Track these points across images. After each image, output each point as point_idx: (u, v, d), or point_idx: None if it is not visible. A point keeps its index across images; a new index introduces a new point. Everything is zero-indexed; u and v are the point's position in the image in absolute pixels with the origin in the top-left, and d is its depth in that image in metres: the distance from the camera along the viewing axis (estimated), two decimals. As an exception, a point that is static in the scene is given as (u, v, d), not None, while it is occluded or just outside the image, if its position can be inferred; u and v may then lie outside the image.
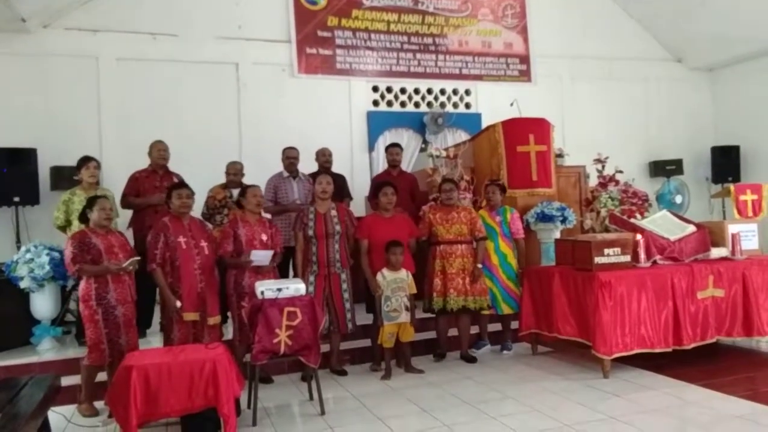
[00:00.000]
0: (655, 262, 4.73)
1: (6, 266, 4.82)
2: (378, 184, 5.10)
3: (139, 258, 4.12)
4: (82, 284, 4.02)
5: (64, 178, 6.31)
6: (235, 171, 5.64)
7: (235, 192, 5.46)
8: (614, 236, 4.76)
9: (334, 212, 4.73)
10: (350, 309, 4.72)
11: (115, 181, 6.21)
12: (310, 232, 4.61)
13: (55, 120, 6.87)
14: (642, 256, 4.63)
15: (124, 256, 4.08)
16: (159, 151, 5.35)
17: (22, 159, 6.40)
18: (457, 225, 4.93)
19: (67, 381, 4.05)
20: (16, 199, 6.34)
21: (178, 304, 4.11)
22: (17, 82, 6.84)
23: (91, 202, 4.12)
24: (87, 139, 6.87)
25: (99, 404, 4.05)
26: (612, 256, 4.49)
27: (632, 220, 5.20)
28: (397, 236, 4.72)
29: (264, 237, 4.48)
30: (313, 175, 4.93)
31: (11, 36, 6.76)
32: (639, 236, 4.66)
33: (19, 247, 6.07)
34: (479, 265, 4.94)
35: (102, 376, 4.21)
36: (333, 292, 4.64)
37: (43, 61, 6.94)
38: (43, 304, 4.84)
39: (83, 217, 4.18)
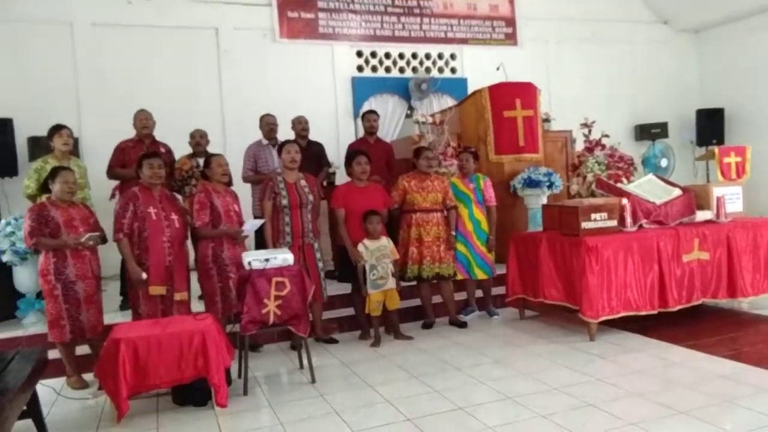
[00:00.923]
0: (641, 226, 4.75)
1: (-14, 240, 4.71)
2: (351, 153, 5.03)
3: (96, 234, 3.98)
4: (41, 258, 3.91)
5: (41, 147, 6.14)
6: (198, 139, 5.51)
7: (201, 161, 5.36)
8: (601, 201, 4.77)
9: (303, 182, 4.63)
10: (324, 278, 4.69)
11: (94, 149, 6.12)
12: (284, 202, 4.48)
13: (31, 88, 6.70)
14: (628, 220, 4.65)
15: (85, 230, 3.95)
16: (141, 120, 5.22)
17: (-2, 129, 6.24)
18: (433, 193, 4.92)
19: (54, 354, 4.03)
20: (-6, 170, 6.20)
21: (144, 275, 3.96)
22: (-10, 49, 6.62)
23: (53, 173, 3.97)
24: (64, 108, 6.71)
25: (88, 376, 4.03)
26: (599, 220, 4.51)
27: (618, 185, 5.21)
28: (373, 205, 4.69)
29: (236, 207, 4.40)
30: (282, 143, 4.79)
31: (-20, 1, 6.52)
32: (625, 201, 4.67)
33: (-1, 219, 5.98)
34: (453, 233, 4.96)
35: (85, 349, 4.18)
36: (308, 263, 4.55)
37: (15, 27, 6.72)
38: (26, 278, 4.76)
39: (45, 188, 4.04)
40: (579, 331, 4.50)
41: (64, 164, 4.58)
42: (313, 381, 3.85)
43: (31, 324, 4.74)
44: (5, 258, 4.64)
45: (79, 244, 3.89)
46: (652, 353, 4.02)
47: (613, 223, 4.56)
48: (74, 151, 5.28)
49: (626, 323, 4.52)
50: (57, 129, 4.83)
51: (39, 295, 4.90)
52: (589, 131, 6.65)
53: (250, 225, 4.33)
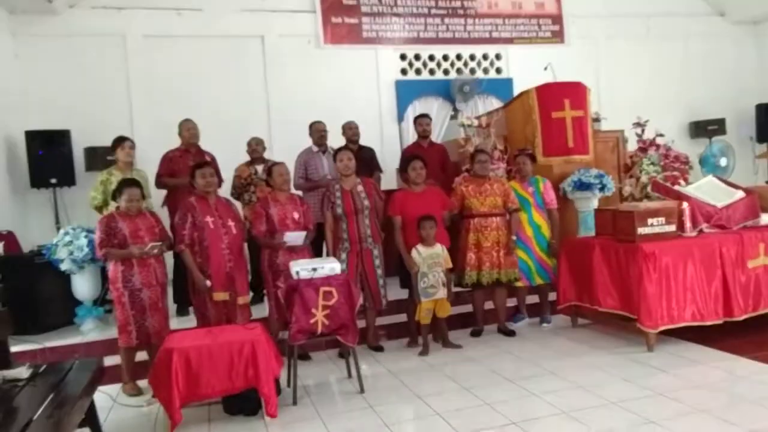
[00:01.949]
0: (701, 231, 4.52)
1: (46, 249, 4.86)
2: (406, 158, 4.96)
3: (160, 243, 4.11)
4: (110, 267, 4.07)
5: (98, 158, 6.36)
6: (254, 146, 5.55)
7: (260, 168, 5.41)
8: (658, 205, 4.56)
9: (360, 187, 4.61)
10: (383, 285, 4.66)
11: (146, 158, 6.19)
12: (339, 210, 4.52)
13: (87, 100, 6.88)
14: (687, 225, 4.43)
15: (150, 239, 4.07)
16: (188, 130, 5.30)
17: (57, 141, 6.44)
18: (491, 197, 4.79)
19: (110, 360, 4.14)
20: (53, 180, 6.41)
21: (208, 283, 4.09)
22: (47, 64, 6.85)
23: (120, 188, 4.12)
24: (118, 118, 6.88)
25: (143, 383, 4.09)
26: (656, 225, 4.30)
27: (676, 187, 4.98)
28: (430, 210, 4.60)
29: (296, 215, 4.42)
30: (336, 151, 4.80)
31: (39, 18, 6.75)
32: (685, 204, 4.45)
33: (58, 228, 6.18)
34: (513, 238, 4.81)
35: (143, 356, 4.26)
36: (366, 269, 4.57)
37: (71, 41, 6.92)
38: (84, 285, 4.89)
39: (115, 197, 4.21)
40: (636, 340, 4.31)
41: (127, 175, 4.71)
42: (362, 391, 3.80)
43: (89, 331, 4.87)
44: (64, 267, 4.77)
45: (144, 253, 4.01)
46: (716, 366, 3.81)
47: (672, 228, 4.34)
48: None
49: (687, 333, 4.29)
50: (120, 141, 4.97)
51: (96, 302, 5.05)
52: (642, 131, 6.39)
53: (291, 237, 4.33)
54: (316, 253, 5.12)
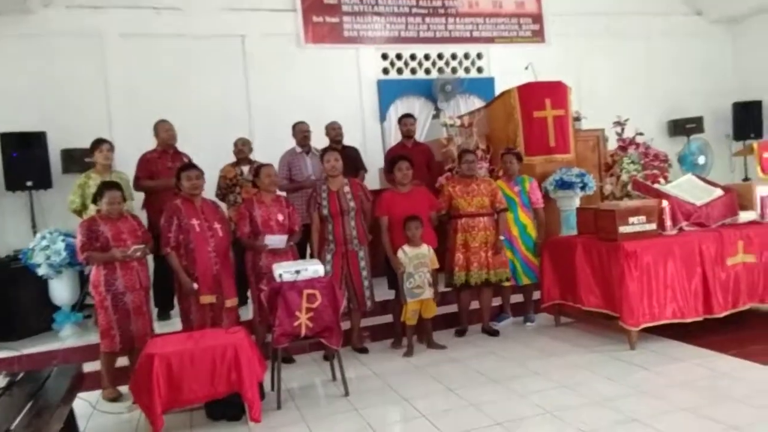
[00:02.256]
0: (681, 229, 4.57)
1: (23, 254, 4.77)
2: (392, 158, 4.94)
3: (143, 246, 4.06)
4: (92, 271, 4.01)
5: (75, 160, 6.23)
6: (240, 147, 5.51)
7: (245, 169, 5.36)
8: (638, 204, 4.59)
9: (347, 188, 4.59)
10: (369, 286, 4.64)
11: (125, 160, 6.09)
12: (325, 211, 4.50)
13: (63, 101, 6.74)
14: (668, 223, 4.47)
15: (133, 242, 4.01)
16: (167, 131, 5.21)
17: (33, 142, 6.30)
18: (478, 197, 4.79)
19: (90, 366, 4.07)
20: (29, 183, 6.26)
21: (195, 286, 4.06)
22: (22, 64, 6.69)
23: (101, 191, 4.04)
24: (96, 120, 6.74)
25: (124, 388, 4.03)
26: (637, 224, 4.33)
27: (656, 186, 5.02)
28: (417, 211, 4.58)
29: (280, 217, 4.38)
30: (323, 151, 4.77)
31: (13, 17, 6.59)
32: (665, 203, 4.49)
33: (35, 232, 6.06)
34: (501, 237, 4.82)
35: (124, 361, 4.18)
36: (351, 270, 4.55)
37: (46, 41, 6.77)
38: (61, 291, 4.81)
39: (95, 200, 4.14)
40: (618, 338, 4.34)
41: (106, 178, 4.64)
42: (347, 394, 3.78)
43: (67, 336, 4.79)
44: (41, 271, 4.68)
45: (127, 256, 3.95)
46: (697, 363, 3.85)
47: (653, 226, 4.38)
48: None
49: (668, 330, 4.34)
50: (98, 144, 4.89)
51: (74, 308, 4.96)
52: (622, 129, 6.43)
53: (272, 240, 4.30)
54: (302, 254, 5.09)
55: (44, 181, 6.34)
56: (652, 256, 4.21)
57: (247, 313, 4.74)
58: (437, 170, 6.01)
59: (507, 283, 4.98)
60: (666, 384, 3.53)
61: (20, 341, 4.66)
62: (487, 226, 4.78)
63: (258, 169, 4.51)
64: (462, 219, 4.78)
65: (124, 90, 7.00)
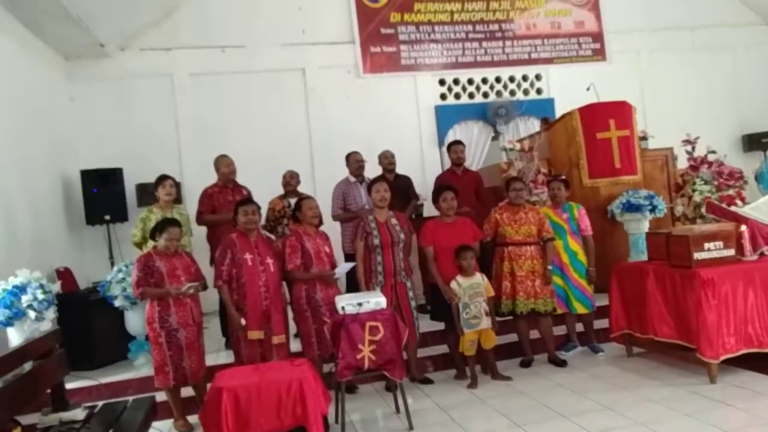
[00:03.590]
0: (762, 254, 4.28)
1: (101, 286, 5.00)
2: (437, 188, 4.89)
3: (197, 284, 4.11)
4: (147, 307, 4.07)
5: (148, 194, 6.51)
6: (288, 179, 5.59)
7: (293, 201, 5.41)
8: (714, 228, 4.35)
9: (394, 220, 4.55)
10: (417, 317, 4.58)
11: (195, 194, 6.34)
12: (376, 241, 4.44)
13: (137, 138, 7.13)
14: (747, 247, 4.21)
15: (187, 278, 4.08)
16: (228, 166, 5.33)
17: (110, 179, 6.67)
18: (526, 226, 4.68)
19: (163, 396, 4.17)
20: (107, 217, 6.62)
21: (243, 321, 4.05)
22: (100, 104, 7.14)
23: (161, 227, 4.15)
24: (167, 155, 7.10)
25: (193, 418, 4.11)
26: (713, 250, 4.09)
27: (733, 208, 4.75)
28: (463, 240, 4.52)
29: (327, 249, 4.38)
30: (372, 181, 4.76)
31: (92, 61, 7.06)
32: (743, 227, 4.23)
33: (112, 263, 6.37)
34: (549, 267, 4.69)
35: (190, 391, 4.26)
36: (401, 302, 4.47)
37: (122, 82, 7.22)
38: (136, 321, 4.97)
39: (152, 235, 4.24)
40: (695, 371, 4.08)
41: (168, 214, 4.81)
42: (411, 428, 3.71)
43: (142, 365, 4.94)
44: (117, 303, 4.88)
45: (180, 293, 4.01)
46: (786, 399, 3.57)
47: (731, 252, 4.13)
48: (177, 196, 5.52)
49: (749, 361, 4.04)
50: (161, 180, 5.08)
51: (148, 338, 5.13)
52: (693, 148, 6.16)
53: (342, 268, 4.31)
54: (349, 285, 5.06)
55: (120, 215, 6.68)
56: (731, 284, 3.96)
57: (295, 347, 4.68)
58: (486, 197, 5.90)
59: (559, 311, 4.82)
60: (751, 422, 3.29)
61: (97, 370, 4.85)
62: (534, 255, 4.68)
63: (299, 201, 4.48)
64: (509, 247, 4.69)
65: (193, 126, 7.34)
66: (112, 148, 6.96)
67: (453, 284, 4.44)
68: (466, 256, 4.42)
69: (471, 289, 4.41)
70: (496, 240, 4.80)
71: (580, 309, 4.89)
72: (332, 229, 5.33)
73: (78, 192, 6.64)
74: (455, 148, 6.01)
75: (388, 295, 4.42)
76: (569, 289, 4.89)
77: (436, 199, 4.75)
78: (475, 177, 6.09)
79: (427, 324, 4.86)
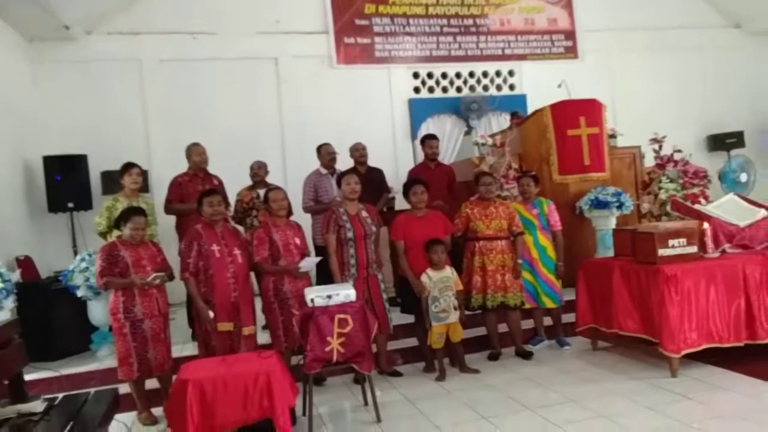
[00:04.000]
0: (723, 252, 4.40)
1: (63, 275, 4.87)
2: (408, 182, 4.90)
3: (162, 274, 4.05)
4: (111, 297, 3.99)
5: (114, 182, 6.34)
6: (255, 170, 5.53)
7: (262, 192, 5.35)
8: (679, 225, 4.46)
9: (365, 213, 4.55)
10: (389, 310, 4.59)
11: (163, 183, 6.23)
12: (350, 234, 4.43)
13: (103, 125, 6.96)
14: (710, 245, 4.32)
15: (152, 268, 4.02)
16: (200, 154, 5.24)
17: (74, 166, 6.51)
18: (497, 220, 4.73)
19: (127, 388, 4.10)
20: (71, 205, 6.47)
21: (211, 314, 4.00)
22: (65, 89, 6.94)
23: (126, 216, 4.06)
24: (134, 142, 6.95)
25: (158, 410, 4.05)
26: (677, 247, 4.18)
27: (696, 206, 4.87)
28: (434, 234, 4.54)
29: (297, 240, 4.35)
30: (342, 174, 4.73)
31: (56, 44, 6.85)
32: (706, 225, 4.34)
33: (75, 252, 6.22)
34: (519, 261, 4.75)
35: (155, 383, 4.20)
36: (373, 294, 4.48)
37: (88, 67, 7.03)
38: (99, 312, 4.88)
39: (117, 224, 4.16)
40: (658, 364, 4.19)
41: (133, 202, 4.71)
42: (379, 420, 3.72)
43: (105, 357, 4.85)
44: (80, 293, 4.77)
45: (146, 283, 3.94)
46: (742, 392, 3.67)
47: (693, 249, 4.23)
48: (144, 184, 5.40)
49: (710, 356, 4.15)
50: (127, 168, 4.96)
51: (111, 328, 5.03)
52: (660, 147, 6.29)
53: (307, 262, 4.27)
54: (320, 277, 5.05)
55: (85, 203, 6.53)
56: (694, 280, 4.06)
57: (263, 339, 4.65)
58: (459, 192, 5.93)
59: (527, 305, 4.88)
60: (710, 415, 3.38)
61: (59, 361, 4.74)
62: (504, 249, 4.73)
63: (267, 193, 4.45)
64: (480, 241, 4.73)
65: (162, 113, 7.19)
66: (76, 135, 6.78)
67: (423, 277, 4.45)
68: (437, 250, 4.44)
69: (441, 282, 4.44)
70: (467, 234, 4.84)
71: (548, 303, 4.96)
72: (304, 220, 5.29)
73: (40, 178, 6.46)
74: (429, 143, 6.00)
75: (360, 288, 4.42)
76: (538, 284, 4.95)
77: (406, 193, 4.76)
78: (448, 171, 6.11)
79: (396, 317, 4.86)
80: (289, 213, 4.67)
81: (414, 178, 4.96)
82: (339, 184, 4.66)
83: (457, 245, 4.91)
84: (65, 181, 6.40)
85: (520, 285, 4.79)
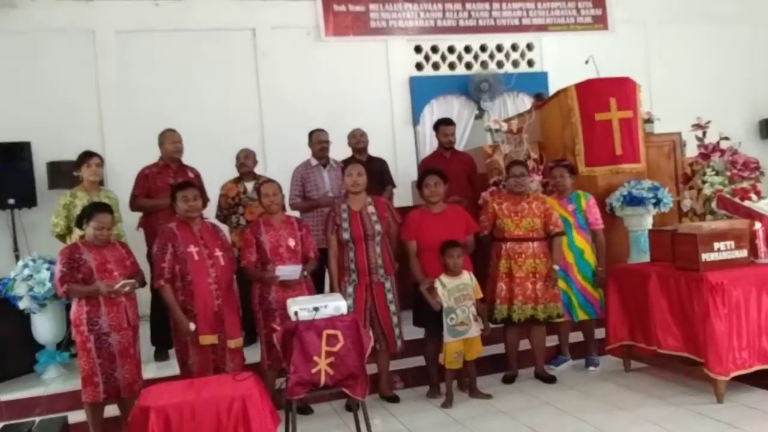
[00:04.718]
0: (778, 256, 4.42)
1: (2, 284, 4.86)
2: (421, 173, 4.91)
3: (132, 281, 4.04)
4: (73, 307, 3.99)
5: (63, 174, 6.37)
6: (242, 160, 5.52)
7: (249, 185, 5.38)
8: (725, 226, 4.48)
9: (371, 208, 4.56)
10: (398, 323, 4.59)
11: (118, 175, 6.24)
12: (346, 235, 4.45)
13: (50, 107, 6.94)
14: (762, 248, 4.33)
15: (120, 273, 4.01)
16: (174, 143, 5.26)
17: (15, 155, 6.50)
18: (528, 218, 4.72)
19: (77, 416, 4.11)
20: (11, 201, 6.45)
21: (192, 326, 4.01)
22: (4, 64, 6.91)
23: (89, 214, 4.06)
24: (86, 128, 6.95)
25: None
26: (724, 251, 4.20)
27: (747, 203, 4.89)
28: (452, 234, 4.53)
29: (292, 242, 4.36)
30: (345, 163, 4.75)
31: (-5, 12, 6.82)
32: (758, 225, 4.36)
33: (17, 256, 6.21)
34: (555, 267, 4.73)
35: (114, 409, 4.20)
36: (377, 305, 4.50)
37: (31, 38, 6.99)
38: (45, 327, 4.88)
39: (79, 224, 4.16)
40: (701, 388, 4.21)
41: (95, 197, 4.73)
42: (374, 454, 3.73)
43: (52, 380, 4.85)
44: (22, 305, 4.76)
45: (113, 291, 3.94)
46: (800, 421, 3.70)
47: (743, 253, 4.24)
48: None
49: (761, 378, 4.18)
50: (85, 157, 4.96)
51: (60, 346, 5.03)
52: (704, 134, 6.30)
53: (284, 271, 4.26)
54: (318, 284, 5.07)
55: (28, 199, 6.51)
56: (743, 290, 4.08)
57: (255, 355, 4.69)
58: (480, 184, 5.96)
59: (560, 320, 4.88)
60: (762, 448, 3.40)
61: (-1, 385, 4.74)
62: (537, 252, 4.71)
63: (259, 186, 4.50)
64: (507, 243, 4.72)
65: (119, 94, 7.17)
66: (17, 119, 6.75)
67: (437, 285, 4.44)
68: (453, 254, 4.44)
69: (457, 290, 4.43)
70: (493, 234, 4.83)
71: (582, 316, 4.96)
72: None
73: (-26, 170, 6.44)
74: (444, 129, 6.02)
75: (361, 297, 4.45)
76: (572, 294, 4.95)
77: (419, 185, 4.76)
78: (467, 160, 6.13)
79: (408, 331, 4.79)
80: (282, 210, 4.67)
81: (428, 169, 4.97)
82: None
83: (483, 245, 4.89)
84: (5, 173, 6.37)
85: (555, 295, 4.77)
